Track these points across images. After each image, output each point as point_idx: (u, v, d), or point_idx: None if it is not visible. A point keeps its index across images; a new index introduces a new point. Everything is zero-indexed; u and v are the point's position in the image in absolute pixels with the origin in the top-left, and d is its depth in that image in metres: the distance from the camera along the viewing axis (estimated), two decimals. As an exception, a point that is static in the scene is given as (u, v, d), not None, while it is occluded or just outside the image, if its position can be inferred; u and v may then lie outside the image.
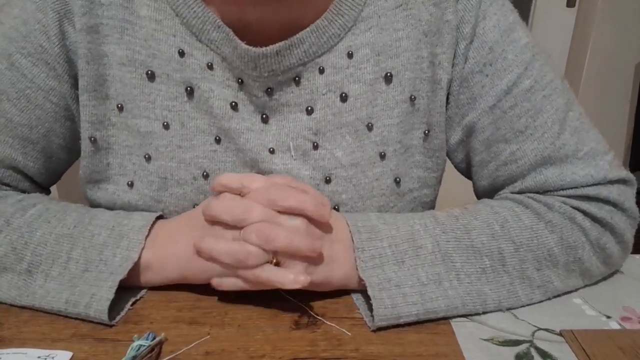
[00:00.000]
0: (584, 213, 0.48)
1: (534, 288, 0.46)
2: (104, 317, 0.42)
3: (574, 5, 1.97)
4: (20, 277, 0.45)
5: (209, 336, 0.42)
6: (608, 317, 0.45)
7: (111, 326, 0.43)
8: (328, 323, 0.43)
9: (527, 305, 0.47)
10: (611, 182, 0.49)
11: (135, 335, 0.40)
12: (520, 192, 0.51)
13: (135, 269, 0.44)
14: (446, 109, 0.53)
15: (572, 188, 0.49)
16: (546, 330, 0.43)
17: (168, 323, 0.43)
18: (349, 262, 0.45)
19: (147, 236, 0.45)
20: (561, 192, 0.49)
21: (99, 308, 0.42)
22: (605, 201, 0.48)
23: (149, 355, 0.38)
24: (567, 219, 0.47)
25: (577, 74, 2.02)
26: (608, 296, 0.49)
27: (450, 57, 0.50)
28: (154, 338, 0.40)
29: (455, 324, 0.44)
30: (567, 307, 0.47)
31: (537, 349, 0.41)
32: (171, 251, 0.45)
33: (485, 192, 0.56)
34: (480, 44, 0.50)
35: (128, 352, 0.38)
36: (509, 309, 0.46)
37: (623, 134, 1.76)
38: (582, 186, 0.49)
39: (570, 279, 0.48)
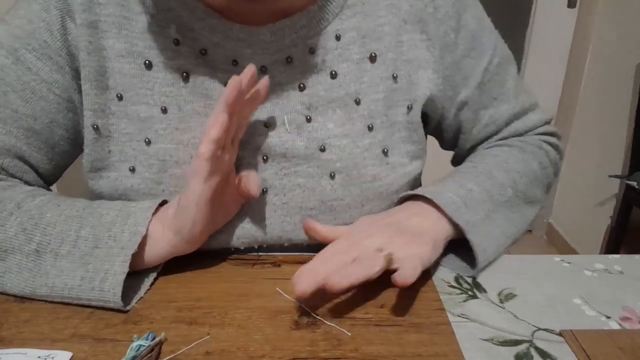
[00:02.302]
0: (546, 142, 0.65)
1: (534, 205, 0.60)
2: (118, 290, 0.44)
3: (574, 6, 1.97)
4: (29, 259, 0.46)
5: (208, 336, 0.42)
6: (608, 317, 0.45)
7: (125, 311, 0.44)
8: (328, 323, 0.43)
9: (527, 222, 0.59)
10: (547, 121, 0.67)
11: (135, 335, 0.41)
12: (495, 142, 0.64)
13: (142, 243, 0.47)
14: (441, 90, 0.58)
15: (532, 129, 0.65)
16: (546, 330, 0.43)
17: (168, 323, 0.43)
18: (433, 225, 0.51)
19: (153, 214, 0.48)
20: (527, 134, 0.65)
21: (114, 282, 0.44)
22: (552, 133, 0.67)
23: (148, 355, 0.38)
24: (538, 148, 0.63)
25: (578, 75, 2.02)
26: (608, 296, 0.49)
27: (436, 44, 0.56)
28: (153, 338, 0.40)
29: (455, 324, 0.44)
30: (567, 307, 0.47)
31: (537, 349, 0.41)
32: (165, 215, 0.49)
33: (465, 152, 0.67)
34: (465, 33, 0.57)
35: (128, 352, 0.39)
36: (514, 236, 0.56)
37: (623, 134, 1.76)
38: (538, 126, 0.65)
39: (543, 191, 0.62)
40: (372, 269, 0.43)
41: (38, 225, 0.47)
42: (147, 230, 0.47)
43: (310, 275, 0.43)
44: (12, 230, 0.47)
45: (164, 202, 0.52)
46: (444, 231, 0.51)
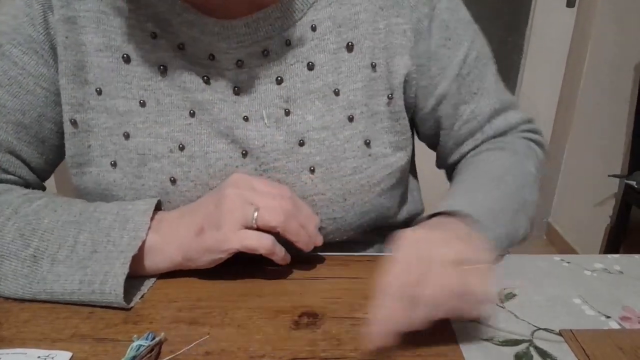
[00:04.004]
0: (532, 141, 0.64)
1: (533, 208, 0.58)
2: (120, 291, 0.44)
3: (573, 6, 1.97)
4: (25, 264, 0.46)
5: (208, 336, 0.42)
6: (608, 317, 0.46)
7: (129, 309, 0.45)
8: (328, 323, 0.43)
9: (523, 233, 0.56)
10: (529, 120, 0.66)
11: (135, 335, 0.41)
12: (481, 142, 0.63)
13: (140, 252, 0.47)
14: (415, 78, 0.57)
15: (515, 128, 0.64)
16: (546, 330, 0.43)
17: (168, 323, 0.43)
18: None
19: (151, 219, 0.48)
20: (511, 132, 0.64)
21: (115, 283, 0.44)
22: (535, 131, 0.66)
23: (148, 355, 0.38)
24: (528, 149, 0.62)
25: (577, 74, 2.02)
26: (608, 296, 0.49)
27: (412, 28, 0.55)
28: (153, 338, 0.40)
29: (456, 324, 0.44)
30: (567, 307, 0.47)
31: (537, 349, 0.41)
32: (174, 235, 0.48)
33: (448, 150, 0.65)
34: (439, 22, 0.56)
35: (128, 352, 0.38)
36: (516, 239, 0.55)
37: (623, 134, 1.76)
38: (520, 124, 0.64)
39: (537, 192, 0.59)
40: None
41: (36, 231, 0.47)
42: (146, 240, 0.47)
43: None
44: (9, 235, 0.47)
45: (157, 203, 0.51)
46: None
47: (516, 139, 0.63)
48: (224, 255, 0.47)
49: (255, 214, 0.46)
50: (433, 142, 0.66)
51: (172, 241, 0.48)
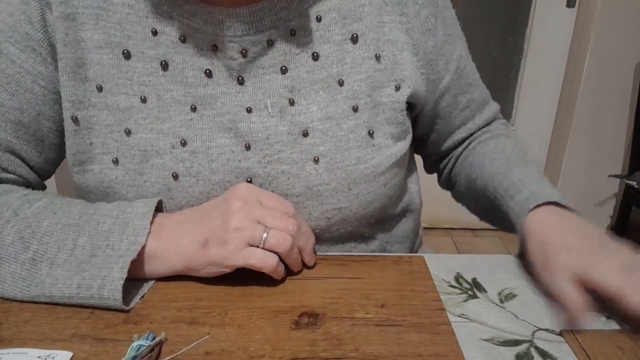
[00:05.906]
0: (508, 127, 0.71)
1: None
2: (118, 296, 0.43)
3: (574, 6, 1.97)
4: (24, 267, 0.46)
5: (209, 336, 0.42)
6: (608, 317, 0.45)
7: (126, 310, 0.44)
8: (328, 323, 0.43)
9: None
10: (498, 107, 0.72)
11: (135, 335, 0.41)
12: (474, 132, 0.68)
13: (140, 257, 0.46)
14: (423, 73, 0.58)
15: (495, 117, 0.70)
16: (546, 330, 0.43)
17: (168, 323, 0.43)
18: None
19: (151, 222, 0.48)
20: (494, 121, 0.70)
21: (113, 288, 0.44)
22: (502, 119, 0.72)
23: (149, 355, 0.38)
24: (512, 131, 0.69)
25: (577, 74, 2.02)
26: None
27: (417, 26, 0.56)
28: (153, 338, 0.40)
29: (455, 324, 0.44)
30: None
31: (538, 349, 0.41)
32: (177, 242, 0.48)
33: (442, 138, 0.68)
34: (442, 20, 0.59)
35: (128, 352, 0.38)
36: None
37: (623, 134, 1.76)
38: (497, 115, 0.71)
39: None
40: None
41: (35, 234, 0.47)
42: (145, 245, 0.47)
43: None
44: (9, 238, 0.47)
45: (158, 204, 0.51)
46: None
47: (501, 126, 0.70)
48: (227, 270, 0.48)
49: (265, 235, 0.47)
50: (424, 134, 0.68)
51: (174, 249, 0.48)
